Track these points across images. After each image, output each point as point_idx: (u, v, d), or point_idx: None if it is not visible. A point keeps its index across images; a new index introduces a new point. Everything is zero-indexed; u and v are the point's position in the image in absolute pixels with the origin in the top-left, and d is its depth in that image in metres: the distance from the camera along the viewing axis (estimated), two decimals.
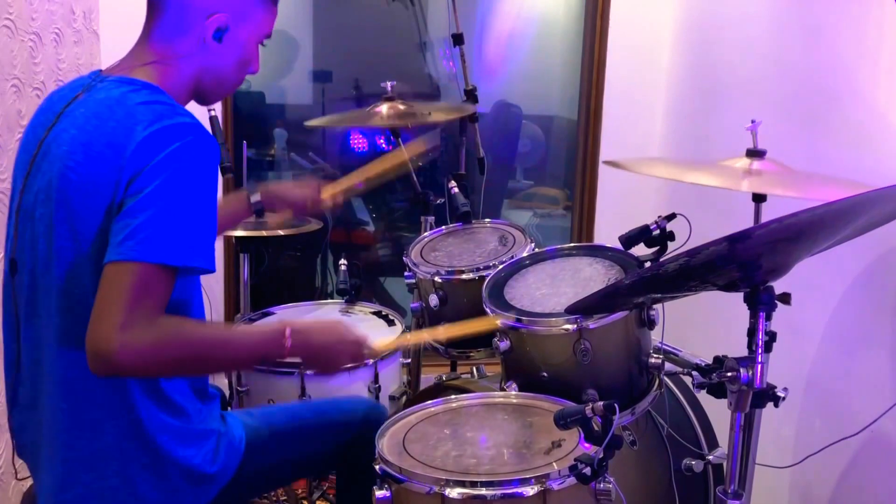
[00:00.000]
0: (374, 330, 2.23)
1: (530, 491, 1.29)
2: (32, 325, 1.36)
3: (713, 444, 1.93)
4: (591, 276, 1.75)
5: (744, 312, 1.40)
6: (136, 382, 1.32)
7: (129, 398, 1.32)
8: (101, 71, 1.40)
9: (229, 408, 2.07)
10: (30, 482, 1.52)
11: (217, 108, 2.37)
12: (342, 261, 2.40)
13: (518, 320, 1.63)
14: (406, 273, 2.08)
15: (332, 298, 2.54)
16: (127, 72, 1.36)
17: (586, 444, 1.33)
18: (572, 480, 1.29)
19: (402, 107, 2.33)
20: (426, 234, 2.27)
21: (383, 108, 2.33)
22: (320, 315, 2.34)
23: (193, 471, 1.39)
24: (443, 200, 2.40)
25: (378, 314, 2.33)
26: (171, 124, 1.26)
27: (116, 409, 1.32)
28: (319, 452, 1.65)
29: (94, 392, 1.31)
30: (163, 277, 1.22)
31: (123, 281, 1.19)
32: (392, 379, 2.16)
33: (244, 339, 1.40)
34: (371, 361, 2.03)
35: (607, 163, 1.69)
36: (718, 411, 1.61)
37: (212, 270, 1.28)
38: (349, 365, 1.48)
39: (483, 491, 1.30)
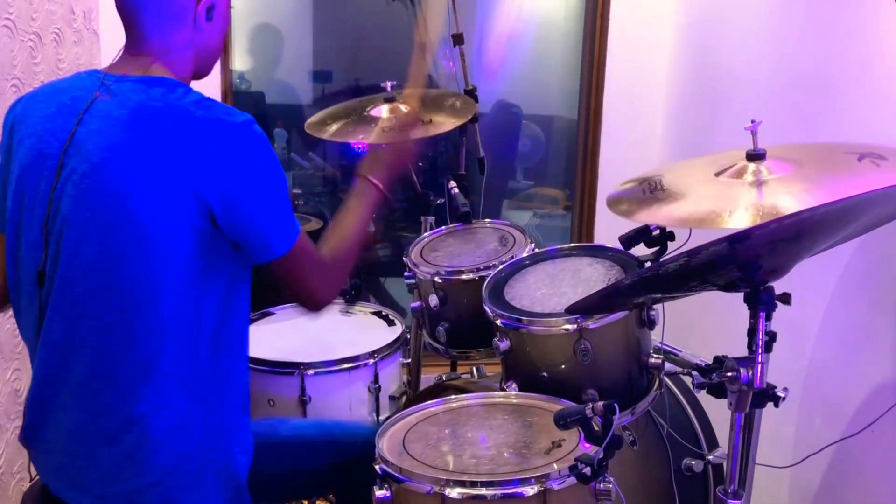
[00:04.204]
0: (374, 330, 2.23)
1: (530, 491, 1.29)
2: (58, 328, 1.35)
3: (713, 444, 1.93)
4: (591, 276, 1.75)
5: (744, 312, 1.40)
6: (179, 378, 1.34)
7: (171, 393, 1.34)
8: (103, 71, 1.39)
9: None
10: (29, 482, 1.52)
11: None
12: None
13: (518, 320, 1.63)
14: (406, 273, 2.07)
15: None
16: (139, 71, 1.36)
17: (586, 444, 1.33)
18: (572, 480, 1.29)
19: (403, 108, 2.32)
20: (426, 234, 2.27)
21: (383, 110, 2.32)
22: (322, 316, 2.34)
23: (235, 474, 1.43)
24: (443, 200, 2.39)
25: (378, 314, 2.33)
26: (235, 122, 1.32)
27: (160, 404, 1.34)
28: (320, 469, 1.64)
29: (138, 385, 1.33)
30: (306, 238, 1.44)
31: (294, 263, 1.41)
32: (392, 379, 2.16)
33: (359, 211, 1.63)
34: (371, 361, 2.03)
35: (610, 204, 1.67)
36: (718, 411, 1.61)
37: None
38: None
39: (483, 491, 1.30)
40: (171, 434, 1.35)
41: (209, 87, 1.53)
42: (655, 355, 1.67)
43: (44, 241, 1.35)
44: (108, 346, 1.32)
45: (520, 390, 1.65)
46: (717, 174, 1.57)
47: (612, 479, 1.32)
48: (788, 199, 1.41)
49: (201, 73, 1.51)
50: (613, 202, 1.65)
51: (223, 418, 1.42)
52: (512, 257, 1.94)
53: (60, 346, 1.35)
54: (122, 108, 1.31)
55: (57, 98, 1.38)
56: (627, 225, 1.71)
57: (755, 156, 1.57)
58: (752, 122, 1.58)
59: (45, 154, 1.35)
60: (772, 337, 1.40)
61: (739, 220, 1.40)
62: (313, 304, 1.51)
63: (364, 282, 2.40)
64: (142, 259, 1.29)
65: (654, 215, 1.54)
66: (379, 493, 1.35)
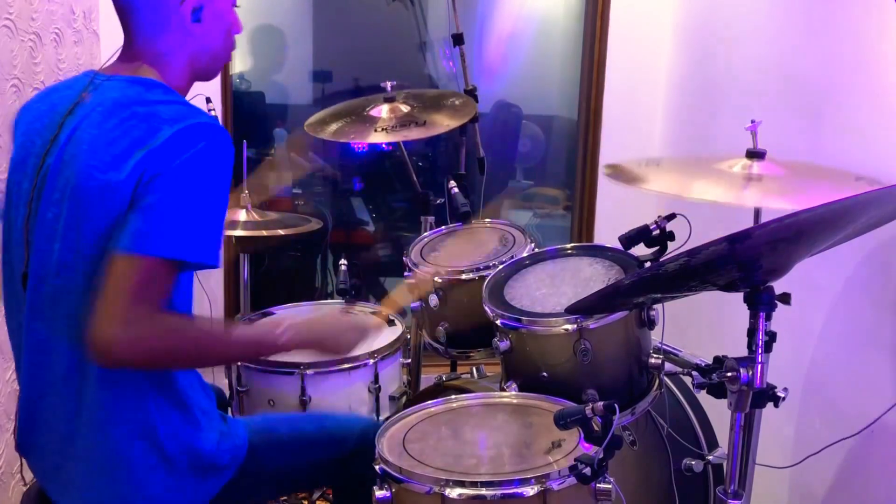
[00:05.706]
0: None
1: (530, 491, 1.29)
2: (39, 328, 1.34)
3: (713, 444, 1.93)
4: (591, 276, 1.75)
5: (744, 312, 1.40)
6: (150, 383, 1.33)
7: (142, 398, 1.33)
8: (96, 71, 1.39)
9: (229, 409, 2.07)
10: (30, 482, 1.52)
11: (217, 107, 2.37)
12: (342, 261, 2.40)
13: (518, 320, 1.63)
14: (406, 273, 2.08)
15: (332, 298, 2.54)
16: (129, 73, 1.36)
17: (586, 444, 1.33)
18: (572, 480, 1.29)
19: (403, 108, 2.33)
20: (426, 234, 2.27)
21: (383, 110, 2.32)
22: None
23: (201, 457, 1.41)
24: (443, 200, 2.39)
25: (378, 314, 2.33)
26: (195, 123, 1.28)
27: (128, 411, 1.33)
28: (317, 463, 1.64)
29: (107, 394, 1.32)
30: (165, 270, 1.24)
31: (127, 273, 1.22)
32: (392, 379, 2.16)
33: (240, 336, 1.45)
34: (371, 361, 2.04)
35: (608, 170, 1.65)
36: (718, 411, 1.61)
37: (217, 266, 1.30)
38: (357, 346, 1.58)
39: (483, 491, 1.29)
40: (134, 442, 1.34)
41: (209, 86, 1.52)
42: (655, 355, 1.67)
43: (25, 241, 1.34)
44: (81, 344, 1.29)
45: (520, 390, 1.65)
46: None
47: (612, 479, 1.32)
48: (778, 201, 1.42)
49: (205, 76, 1.47)
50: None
51: (185, 430, 1.39)
52: (512, 257, 1.94)
53: (43, 345, 1.35)
54: (98, 106, 1.31)
55: (51, 98, 1.39)
56: (627, 225, 1.71)
57: (755, 154, 1.57)
58: (752, 122, 1.58)
59: (30, 153, 1.35)
60: (772, 337, 1.40)
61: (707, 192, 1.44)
62: (97, 344, 1.21)
63: (364, 282, 2.40)
64: (99, 257, 1.27)
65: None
66: (379, 493, 1.35)
